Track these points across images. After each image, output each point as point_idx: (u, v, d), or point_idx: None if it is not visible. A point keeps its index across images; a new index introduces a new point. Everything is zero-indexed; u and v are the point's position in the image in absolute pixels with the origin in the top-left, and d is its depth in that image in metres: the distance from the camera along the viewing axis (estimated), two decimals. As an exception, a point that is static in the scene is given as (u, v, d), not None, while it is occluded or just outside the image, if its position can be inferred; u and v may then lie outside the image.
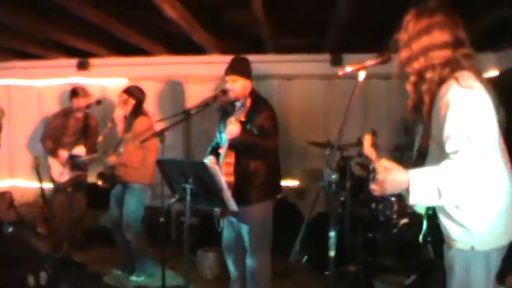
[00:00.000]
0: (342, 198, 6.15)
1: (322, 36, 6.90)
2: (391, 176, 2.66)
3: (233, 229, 4.84)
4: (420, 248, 4.65)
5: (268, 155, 4.74)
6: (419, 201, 2.66)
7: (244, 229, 4.73)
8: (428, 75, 2.82)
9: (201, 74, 7.99)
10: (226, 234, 4.92)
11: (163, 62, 8.06)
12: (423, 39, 2.84)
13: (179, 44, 7.12)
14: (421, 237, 3.11)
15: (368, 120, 7.74)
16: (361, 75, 3.09)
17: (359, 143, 6.25)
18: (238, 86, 4.74)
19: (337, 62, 7.79)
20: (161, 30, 6.50)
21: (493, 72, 7.89)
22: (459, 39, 2.83)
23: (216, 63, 7.33)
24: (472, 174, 2.55)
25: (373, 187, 2.73)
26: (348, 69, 3.16)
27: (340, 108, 7.21)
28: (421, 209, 3.05)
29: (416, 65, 2.86)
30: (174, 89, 8.14)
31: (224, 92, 4.85)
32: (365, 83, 8.71)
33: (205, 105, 4.88)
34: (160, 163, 4.34)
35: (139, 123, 5.89)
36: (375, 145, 2.97)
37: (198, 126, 7.76)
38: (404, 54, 2.89)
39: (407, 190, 2.63)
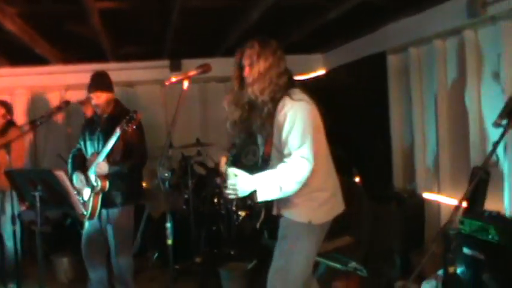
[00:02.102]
0: (186, 196, 6.58)
1: (160, 43, 7.19)
2: (240, 181, 3.30)
3: (95, 231, 4.98)
4: (258, 236, 5.15)
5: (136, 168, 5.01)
6: (265, 198, 3.35)
7: (110, 230, 4.91)
8: (277, 95, 3.47)
9: (46, 84, 8.04)
10: (88, 236, 5.03)
11: (8, 74, 7.95)
12: (274, 70, 3.47)
13: (22, 55, 7.10)
14: (258, 225, 3.66)
15: (207, 121, 8.23)
16: (185, 84, 3.58)
17: (198, 143, 6.73)
18: (102, 101, 4.95)
19: (176, 67, 8.13)
20: (3, 43, 6.47)
21: (321, 71, 8.67)
22: (287, 68, 3.57)
23: (60, 73, 7.45)
24: (302, 169, 3.31)
25: (228, 192, 3.34)
26: (173, 79, 3.64)
27: (179, 111, 7.63)
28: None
29: (269, 93, 3.46)
30: (21, 100, 8.07)
31: (67, 102, 5.08)
32: (205, 86, 9.26)
33: (49, 115, 5.08)
34: (9, 173, 4.41)
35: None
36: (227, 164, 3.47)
37: (44, 135, 7.84)
38: (259, 86, 3.46)
39: (255, 191, 3.30)
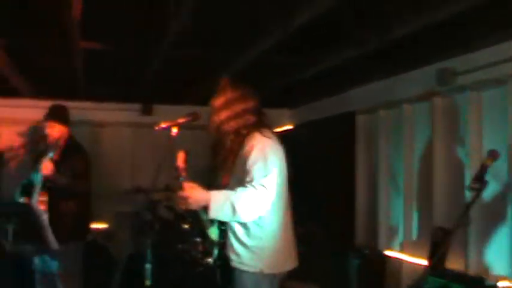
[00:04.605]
0: (151, 240, 6.58)
1: (134, 87, 7.29)
2: (194, 193, 3.30)
3: (44, 269, 5.02)
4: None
5: (80, 196, 5.07)
6: (217, 216, 3.35)
7: (54, 267, 4.94)
8: (243, 131, 3.54)
9: (16, 117, 7.91)
10: (38, 274, 5.09)
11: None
12: (241, 105, 3.56)
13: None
14: (211, 261, 3.68)
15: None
16: (174, 131, 3.67)
17: (167, 188, 6.79)
18: (55, 131, 5.07)
19: (147, 111, 8.17)
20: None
21: (288, 126, 8.86)
22: (259, 108, 3.65)
23: (31, 107, 7.44)
24: (261, 198, 3.31)
25: (179, 201, 3.35)
26: (163, 125, 3.73)
27: (147, 154, 7.71)
28: (215, 237, 3.63)
29: (234, 124, 3.54)
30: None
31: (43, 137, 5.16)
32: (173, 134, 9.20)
33: (18, 148, 5.14)
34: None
35: None
36: (186, 161, 3.55)
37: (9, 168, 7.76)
38: (224, 114, 3.55)
39: (207, 207, 3.27)
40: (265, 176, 3.34)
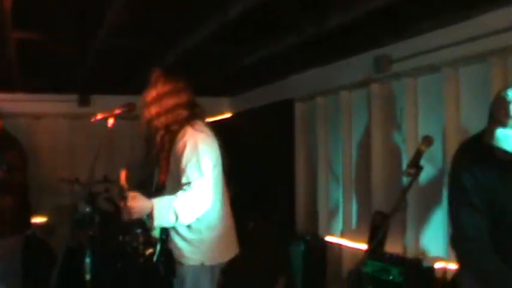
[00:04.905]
0: (91, 232, 6.50)
1: (71, 77, 7.12)
2: (137, 203, 3.26)
3: None
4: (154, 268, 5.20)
5: (16, 190, 4.96)
6: (161, 224, 3.34)
7: None
8: (174, 127, 3.49)
9: None
10: None
11: None
12: (172, 100, 3.50)
13: None
14: (155, 258, 3.67)
15: (114, 158, 8.18)
16: (110, 122, 3.62)
17: (105, 179, 6.71)
18: None
19: (84, 102, 8.07)
20: None
21: (228, 114, 8.87)
22: (192, 101, 3.60)
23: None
24: (200, 200, 3.30)
25: (123, 213, 3.30)
26: (99, 116, 3.67)
27: (84, 146, 7.60)
28: (157, 233, 3.62)
29: (164, 120, 3.49)
30: None
31: None
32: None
33: None
34: None
35: None
36: (127, 178, 3.51)
37: None
38: (154, 109, 3.50)
39: (151, 215, 3.24)
40: (201, 175, 3.32)
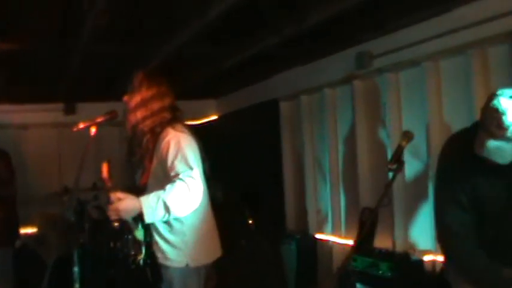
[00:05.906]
0: (81, 240, 6.48)
1: (55, 86, 7.08)
2: (123, 204, 3.28)
3: None
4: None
5: (5, 202, 4.95)
6: (153, 219, 3.31)
7: None
8: (158, 129, 3.50)
9: None
10: None
11: None
12: (157, 103, 3.52)
13: None
14: (141, 261, 3.61)
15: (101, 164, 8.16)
16: (92, 130, 3.60)
17: (94, 187, 6.69)
18: None
19: (70, 110, 8.05)
20: None
21: (214, 116, 8.87)
22: (174, 104, 3.62)
23: None
24: (191, 190, 3.27)
25: (110, 213, 3.32)
26: (81, 125, 3.66)
27: (73, 154, 7.51)
28: (140, 236, 3.59)
29: (150, 123, 3.50)
30: None
31: None
32: (99, 130, 9.08)
33: None
34: None
35: None
36: (110, 172, 3.50)
37: None
38: (140, 114, 3.52)
39: (141, 214, 3.24)
40: (189, 168, 3.32)
